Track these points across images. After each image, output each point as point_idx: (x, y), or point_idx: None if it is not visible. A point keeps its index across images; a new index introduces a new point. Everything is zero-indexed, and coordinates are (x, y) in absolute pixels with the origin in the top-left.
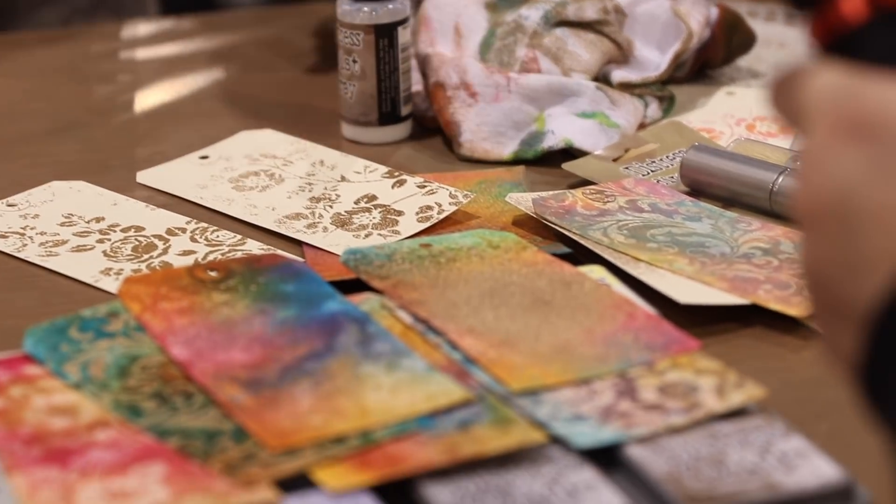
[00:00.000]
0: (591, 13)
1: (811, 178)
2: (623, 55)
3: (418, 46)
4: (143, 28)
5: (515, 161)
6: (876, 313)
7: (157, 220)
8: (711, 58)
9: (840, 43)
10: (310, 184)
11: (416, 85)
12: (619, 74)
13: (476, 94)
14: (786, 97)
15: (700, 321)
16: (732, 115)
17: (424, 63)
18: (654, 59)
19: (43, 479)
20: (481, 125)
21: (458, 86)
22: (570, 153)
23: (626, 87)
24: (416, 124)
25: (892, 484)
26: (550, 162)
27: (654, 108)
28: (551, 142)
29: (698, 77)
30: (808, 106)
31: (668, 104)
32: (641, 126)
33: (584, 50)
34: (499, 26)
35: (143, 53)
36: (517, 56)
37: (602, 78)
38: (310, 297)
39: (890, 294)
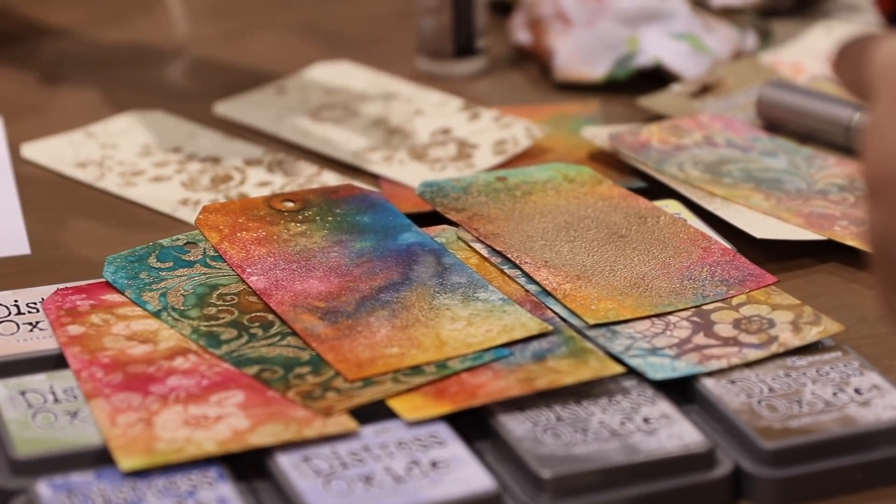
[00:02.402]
0: None
1: (876, 146)
2: None
3: None
4: None
5: (608, 81)
6: None
7: (234, 150)
8: None
9: None
10: (385, 116)
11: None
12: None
13: (570, 21)
14: (850, 66)
15: (775, 257)
16: (825, 53)
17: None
18: None
19: (123, 405)
20: (575, 48)
21: (554, 17)
22: (661, 78)
23: (727, 13)
24: (497, 59)
25: None
26: (626, 96)
27: (751, 40)
28: (642, 60)
29: (799, 10)
30: (874, 75)
31: (765, 37)
32: (738, 56)
33: None
34: None
35: None
36: None
37: (702, 2)
38: (386, 228)
39: None
